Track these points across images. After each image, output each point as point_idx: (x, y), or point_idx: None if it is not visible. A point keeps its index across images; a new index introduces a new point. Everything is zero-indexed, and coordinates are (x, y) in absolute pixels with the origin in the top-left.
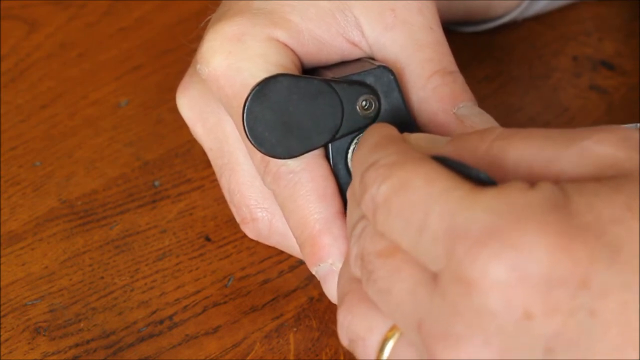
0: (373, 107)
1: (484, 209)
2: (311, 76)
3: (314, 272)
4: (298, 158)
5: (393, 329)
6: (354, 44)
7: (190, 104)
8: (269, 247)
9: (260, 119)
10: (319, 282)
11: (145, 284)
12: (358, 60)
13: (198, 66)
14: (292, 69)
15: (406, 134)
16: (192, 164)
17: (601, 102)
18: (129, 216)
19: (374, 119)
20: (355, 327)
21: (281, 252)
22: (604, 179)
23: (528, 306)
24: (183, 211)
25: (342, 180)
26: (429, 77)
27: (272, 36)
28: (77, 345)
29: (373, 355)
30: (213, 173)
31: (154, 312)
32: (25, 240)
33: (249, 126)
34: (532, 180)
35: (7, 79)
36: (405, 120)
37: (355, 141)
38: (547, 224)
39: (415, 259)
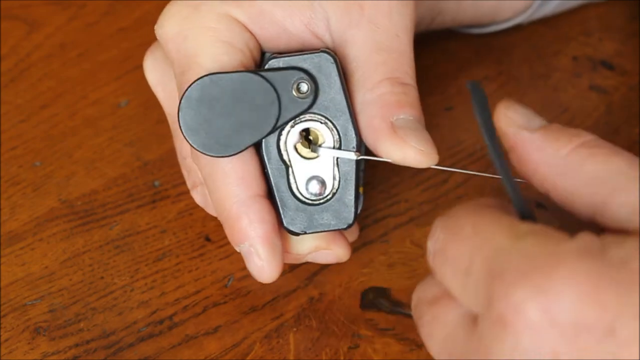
0: (308, 90)
1: (519, 253)
2: (238, 70)
3: (237, 250)
4: None
5: None
6: (316, 36)
7: (154, 66)
8: None
9: (196, 123)
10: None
11: (145, 284)
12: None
13: (155, 27)
14: (244, 50)
15: (506, 103)
16: None
17: (601, 102)
18: (129, 216)
19: (313, 101)
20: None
21: None
22: None
23: (557, 349)
24: (183, 211)
25: (271, 162)
26: (379, 81)
27: (229, 13)
28: (77, 345)
29: None
30: None
31: (154, 312)
32: (25, 240)
33: (186, 132)
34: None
35: (7, 79)
36: (341, 107)
37: (291, 123)
38: (578, 271)
39: (461, 302)
